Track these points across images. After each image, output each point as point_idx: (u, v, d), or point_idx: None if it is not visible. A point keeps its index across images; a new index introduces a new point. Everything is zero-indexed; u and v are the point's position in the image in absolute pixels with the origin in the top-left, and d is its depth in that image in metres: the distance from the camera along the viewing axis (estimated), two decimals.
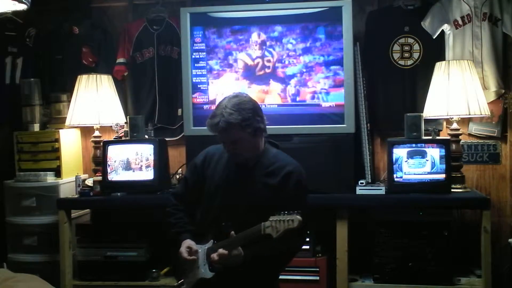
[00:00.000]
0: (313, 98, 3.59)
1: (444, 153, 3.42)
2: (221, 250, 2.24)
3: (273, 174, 2.37)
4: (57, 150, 3.95)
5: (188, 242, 2.37)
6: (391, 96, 3.90)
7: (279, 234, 2.17)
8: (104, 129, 4.05)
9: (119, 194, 3.68)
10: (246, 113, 2.29)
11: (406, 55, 3.88)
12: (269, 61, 3.63)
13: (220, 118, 2.26)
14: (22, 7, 1.94)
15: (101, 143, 3.86)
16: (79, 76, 3.94)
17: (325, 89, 3.57)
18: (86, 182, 3.92)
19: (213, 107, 3.66)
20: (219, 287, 2.34)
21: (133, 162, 3.75)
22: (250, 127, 2.29)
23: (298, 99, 3.61)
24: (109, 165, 3.75)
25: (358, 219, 3.56)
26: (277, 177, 2.35)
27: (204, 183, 2.46)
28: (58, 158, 3.95)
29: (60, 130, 3.99)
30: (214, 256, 2.26)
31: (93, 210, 4.04)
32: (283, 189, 2.34)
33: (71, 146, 4.10)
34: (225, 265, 2.27)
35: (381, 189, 3.50)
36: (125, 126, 3.93)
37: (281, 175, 2.35)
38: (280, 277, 2.54)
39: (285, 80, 3.62)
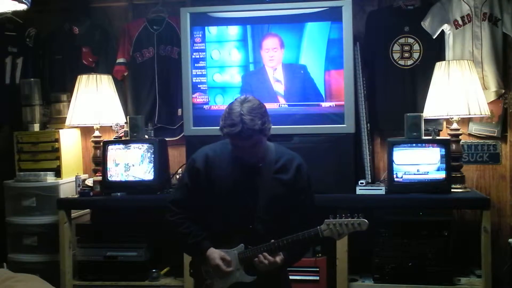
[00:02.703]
0: (313, 98, 3.59)
1: (444, 153, 3.42)
2: (270, 258, 2.28)
3: (285, 169, 2.40)
4: (57, 150, 3.95)
5: (217, 253, 2.35)
6: (391, 96, 3.90)
7: (342, 236, 2.31)
8: (104, 129, 4.05)
9: (119, 194, 3.68)
10: (263, 116, 2.29)
11: (406, 55, 3.88)
12: (271, 59, 3.63)
13: (243, 125, 2.22)
14: (22, 7, 1.94)
15: (101, 143, 3.87)
16: (79, 76, 3.94)
17: (325, 89, 3.58)
18: (86, 182, 3.92)
19: (213, 107, 3.70)
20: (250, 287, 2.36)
21: (133, 162, 3.75)
22: (266, 129, 2.31)
23: (298, 99, 3.62)
24: (108, 166, 3.75)
25: None
26: (289, 172, 2.40)
27: (211, 187, 2.40)
28: (58, 158, 3.95)
29: (60, 130, 3.99)
30: (263, 261, 2.27)
31: (93, 210, 4.04)
32: (297, 182, 2.40)
33: (71, 146, 4.10)
34: (267, 270, 2.30)
35: (381, 189, 3.50)
36: (125, 126, 3.93)
37: (293, 170, 2.40)
38: None
39: (285, 80, 3.62)
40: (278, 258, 2.29)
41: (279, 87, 3.63)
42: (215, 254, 2.35)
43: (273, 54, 3.62)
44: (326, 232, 2.26)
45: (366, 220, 2.27)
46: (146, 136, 3.85)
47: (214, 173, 2.40)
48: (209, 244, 2.38)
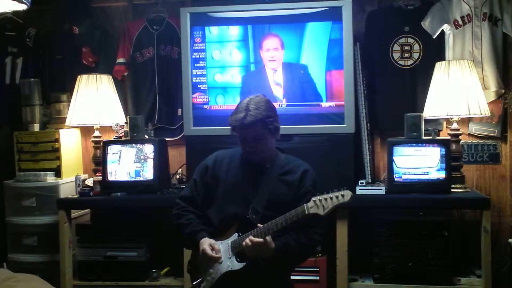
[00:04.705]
0: (313, 98, 3.59)
1: (444, 153, 3.42)
2: (255, 238, 2.26)
3: (291, 172, 2.45)
4: (57, 150, 3.95)
5: (208, 240, 2.38)
6: (391, 96, 3.89)
7: (328, 211, 2.23)
8: (104, 129, 4.05)
9: (119, 194, 3.68)
10: (269, 110, 2.38)
11: (406, 55, 3.87)
12: (272, 59, 3.63)
13: (246, 113, 2.32)
14: (22, 7, 1.94)
15: (101, 143, 3.87)
16: (79, 76, 3.94)
17: (325, 88, 3.57)
18: (86, 182, 3.91)
19: (213, 107, 3.70)
20: (244, 279, 2.35)
21: (133, 162, 3.75)
22: (271, 124, 2.38)
23: (298, 99, 3.61)
24: (108, 166, 3.75)
25: (358, 219, 3.56)
26: (295, 175, 2.44)
27: (217, 184, 2.48)
28: (58, 158, 3.95)
29: (60, 130, 3.99)
30: (248, 241, 2.26)
31: (93, 210, 4.04)
32: (302, 186, 2.42)
33: (71, 146, 4.10)
34: (255, 254, 2.28)
35: (381, 189, 3.50)
36: (125, 126, 3.93)
37: (299, 173, 2.44)
38: None
39: (285, 81, 3.62)
40: (268, 238, 2.26)
41: (278, 90, 3.63)
42: (205, 241, 2.38)
43: (274, 54, 3.62)
44: (312, 209, 2.23)
45: (349, 191, 2.22)
46: (146, 136, 3.85)
47: (221, 170, 2.49)
48: (205, 235, 2.41)
